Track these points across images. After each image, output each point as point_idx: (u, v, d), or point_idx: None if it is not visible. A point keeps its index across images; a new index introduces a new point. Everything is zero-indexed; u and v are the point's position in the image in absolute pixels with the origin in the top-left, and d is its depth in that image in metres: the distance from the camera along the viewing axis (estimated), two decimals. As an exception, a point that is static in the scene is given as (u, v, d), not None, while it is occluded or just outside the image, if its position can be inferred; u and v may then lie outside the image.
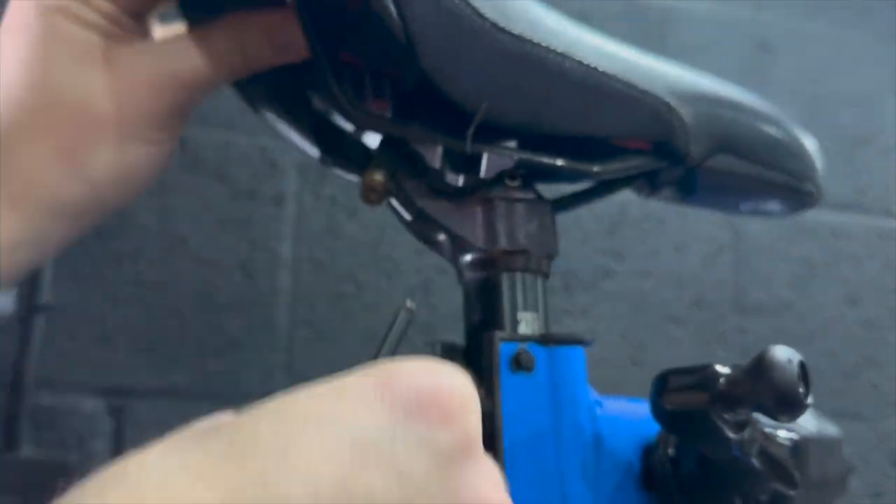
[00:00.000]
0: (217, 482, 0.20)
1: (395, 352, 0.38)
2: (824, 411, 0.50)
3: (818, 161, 0.57)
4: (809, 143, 0.56)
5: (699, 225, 1.10)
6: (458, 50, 0.44)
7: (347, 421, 0.23)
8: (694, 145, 0.51)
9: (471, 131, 0.46)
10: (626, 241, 1.06)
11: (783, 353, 0.39)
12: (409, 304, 0.39)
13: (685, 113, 0.50)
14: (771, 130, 0.54)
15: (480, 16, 0.44)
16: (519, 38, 0.45)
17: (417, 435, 0.24)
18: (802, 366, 0.39)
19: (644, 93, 0.48)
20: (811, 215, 1.15)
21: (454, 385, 0.26)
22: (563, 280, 1.01)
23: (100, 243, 0.84)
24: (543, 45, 0.45)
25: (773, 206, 0.58)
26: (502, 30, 0.44)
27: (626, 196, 0.97)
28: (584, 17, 0.50)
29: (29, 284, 0.81)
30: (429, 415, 0.24)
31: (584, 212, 1.03)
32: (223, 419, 0.25)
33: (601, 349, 1.00)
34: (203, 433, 0.23)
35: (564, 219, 0.53)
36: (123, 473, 0.21)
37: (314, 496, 0.21)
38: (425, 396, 0.25)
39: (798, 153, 0.55)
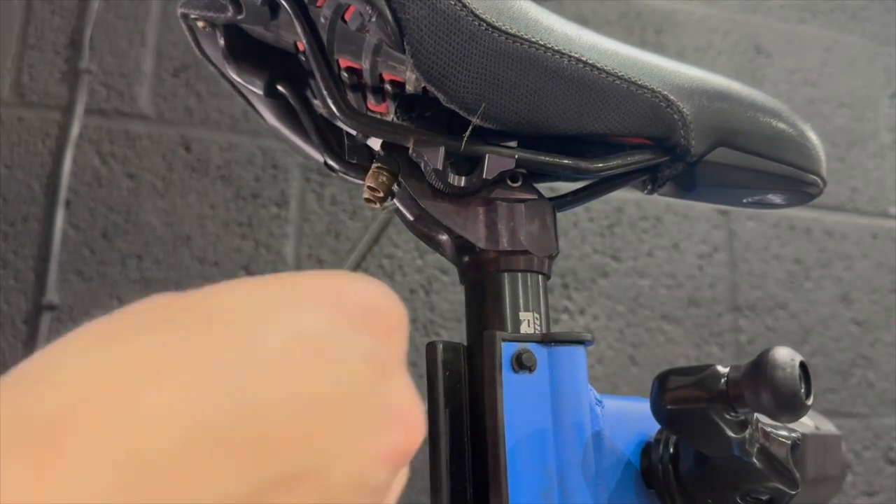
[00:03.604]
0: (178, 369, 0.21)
1: (370, 248, 0.40)
2: (819, 409, 0.50)
3: (821, 152, 0.56)
4: (812, 135, 0.56)
5: (695, 225, 1.10)
6: (454, 51, 0.44)
7: (304, 320, 0.25)
8: (694, 139, 0.50)
9: (468, 132, 0.46)
10: (622, 240, 1.06)
11: (784, 354, 0.39)
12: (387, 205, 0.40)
13: (684, 107, 0.50)
14: (772, 122, 0.54)
15: (476, 16, 0.44)
16: (515, 38, 0.45)
17: (363, 344, 0.26)
18: (803, 366, 0.39)
19: (642, 88, 0.48)
20: (805, 215, 1.15)
21: (396, 304, 0.28)
22: (561, 279, 1.01)
23: (105, 243, 0.84)
24: (540, 43, 0.45)
25: (777, 198, 0.58)
26: (498, 30, 0.44)
27: (622, 196, 0.97)
28: (580, 21, 0.50)
29: (35, 284, 0.81)
30: (375, 328, 0.27)
31: (581, 212, 1.04)
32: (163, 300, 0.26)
33: (598, 347, 1.01)
34: (164, 310, 0.23)
35: (562, 219, 0.54)
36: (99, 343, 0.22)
37: (274, 388, 0.22)
38: (374, 311, 0.27)
39: (800, 145, 0.55)
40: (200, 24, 0.51)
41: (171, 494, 0.20)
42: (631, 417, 0.50)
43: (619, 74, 0.48)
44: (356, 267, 0.40)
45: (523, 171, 0.51)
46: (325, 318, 0.25)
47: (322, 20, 0.46)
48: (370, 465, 0.25)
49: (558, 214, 0.52)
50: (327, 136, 0.54)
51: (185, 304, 0.24)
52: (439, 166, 0.48)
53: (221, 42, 0.51)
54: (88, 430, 0.19)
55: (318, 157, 0.55)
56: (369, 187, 0.49)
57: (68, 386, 0.20)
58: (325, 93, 0.48)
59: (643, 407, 0.47)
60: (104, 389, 0.20)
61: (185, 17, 0.51)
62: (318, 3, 0.45)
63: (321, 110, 0.53)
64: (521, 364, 0.45)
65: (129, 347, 0.21)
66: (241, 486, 0.21)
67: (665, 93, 0.49)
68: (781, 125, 0.54)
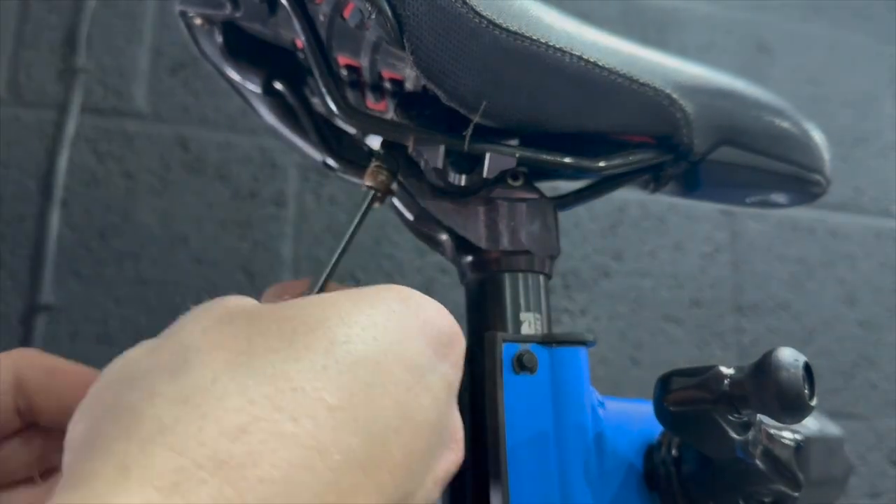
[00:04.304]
0: (337, 389, 0.23)
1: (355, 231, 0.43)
2: (822, 411, 0.50)
3: (825, 151, 0.55)
4: (815, 133, 0.55)
5: (697, 225, 1.10)
6: (455, 48, 0.43)
7: (402, 348, 0.26)
8: (697, 138, 0.50)
9: (469, 131, 0.46)
10: (624, 240, 1.06)
11: (788, 355, 0.38)
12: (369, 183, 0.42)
13: (687, 105, 0.49)
14: (776, 121, 0.53)
15: (477, 13, 0.43)
16: (517, 35, 0.44)
17: (443, 370, 0.28)
18: (807, 367, 0.38)
19: (645, 86, 0.48)
20: (809, 215, 1.15)
21: (460, 331, 0.31)
22: (562, 279, 1.01)
23: (101, 243, 0.84)
24: (542, 41, 0.45)
25: (780, 197, 0.57)
26: (499, 27, 0.44)
27: (624, 196, 0.97)
28: (582, 18, 0.50)
29: (30, 284, 0.81)
30: (450, 355, 0.29)
31: (583, 212, 1.03)
32: (255, 303, 0.28)
33: (600, 348, 1.00)
34: (280, 324, 0.25)
35: (564, 219, 0.53)
36: (241, 360, 0.22)
37: (396, 411, 0.24)
38: (449, 339, 0.29)
39: (804, 143, 0.55)
40: (198, 21, 0.50)
41: None
42: (633, 419, 0.49)
43: (622, 72, 0.47)
44: (341, 255, 0.43)
45: (524, 169, 0.50)
46: (419, 349, 0.27)
47: (321, 17, 0.46)
48: (435, 486, 0.27)
49: (560, 214, 0.52)
50: (326, 135, 0.54)
51: (303, 321, 0.25)
52: (439, 165, 0.48)
53: (219, 40, 0.50)
54: (256, 464, 0.19)
55: (316, 155, 0.55)
56: (368, 186, 0.49)
57: (222, 424, 0.20)
58: (323, 90, 0.47)
59: (646, 408, 0.47)
60: (259, 423, 0.20)
61: (183, 14, 0.50)
62: (317, 0, 0.45)
63: (320, 108, 0.53)
64: (522, 365, 0.45)
65: (267, 379, 0.22)
66: None
67: (668, 91, 0.49)
68: (785, 124, 0.54)
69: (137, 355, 0.24)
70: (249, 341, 0.23)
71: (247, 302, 0.28)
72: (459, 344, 0.30)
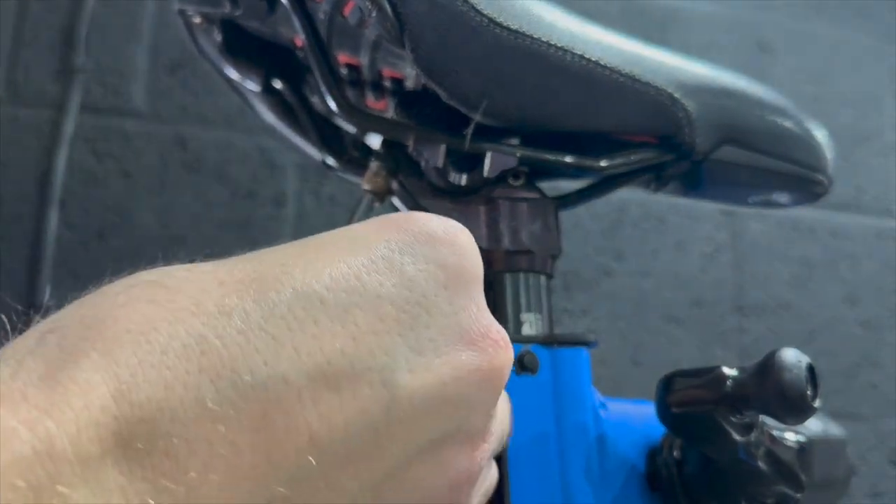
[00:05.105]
0: (235, 269, 0.22)
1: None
2: (825, 412, 0.49)
3: (827, 150, 0.55)
4: (818, 133, 0.55)
5: (698, 225, 1.09)
6: (456, 47, 0.43)
7: (362, 241, 0.25)
8: (700, 137, 0.50)
9: (470, 129, 0.45)
10: (625, 240, 1.06)
11: (791, 356, 0.38)
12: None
13: (689, 104, 0.49)
14: (778, 120, 0.53)
15: (478, 12, 0.43)
16: (518, 33, 0.44)
17: (427, 252, 0.25)
18: (811, 368, 0.38)
19: (647, 85, 0.48)
20: (810, 215, 1.15)
21: (463, 233, 0.27)
22: (563, 279, 1.00)
23: (100, 243, 0.84)
24: (543, 39, 0.45)
25: (782, 197, 0.57)
26: (500, 25, 0.44)
27: (625, 196, 0.96)
28: (584, 17, 0.50)
29: (28, 284, 0.80)
30: (441, 242, 0.26)
31: (583, 211, 1.03)
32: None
33: (601, 348, 1.00)
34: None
35: (564, 218, 0.53)
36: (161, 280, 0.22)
37: (326, 284, 0.22)
38: (437, 232, 0.26)
39: (807, 143, 0.54)
40: (197, 20, 0.50)
41: None
42: (635, 420, 0.49)
43: (623, 71, 0.47)
44: None
45: (525, 169, 0.50)
46: (386, 239, 0.25)
47: (321, 15, 0.46)
48: (445, 376, 0.24)
49: (561, 214, 0.52)
50: (325, 134, 0.54)
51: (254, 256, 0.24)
52: (440, 164, 0.47)
53: (218, 38, 0.50)
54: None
55: (315, 154, 0.55)
56: (366, 190, 0.49)
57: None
58: (323, 89, 0.47)
59: (647, 409, 0.47)
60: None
61: (182, 13, 0.50)
62: (317, -1, 0.45)
63: (319, 107, 0.52)
64: (524, 366, 0.45)
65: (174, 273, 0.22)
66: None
67: (669, 90, 0.48)
68: (788, 123, 0.53)
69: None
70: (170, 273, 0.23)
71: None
72: (461, 238, 0.26)
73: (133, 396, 0.18)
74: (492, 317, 0.27)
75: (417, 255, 0.25)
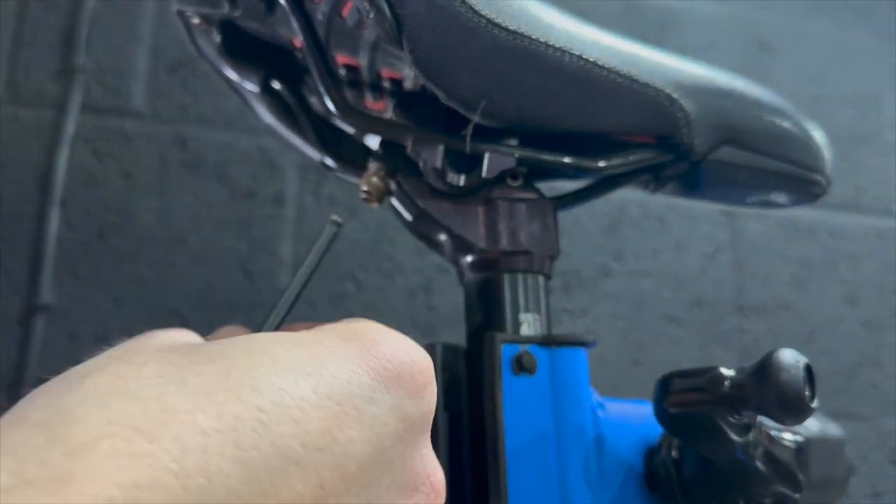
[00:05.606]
0: (217, 414, 0.21)
1: (317, 266, 0.36)
2: (824, 411, 0.49)
3: (825, 151, 0.55)
4: (816, 133, 0.55)
5: (698, 225, 1.09)
6: (454, 48, 0.43)
7: (332, 377, 0.24)
8: (698, 138, 0.50)
9: (469, 130, 0.46)
10: (625, 240, 1.05)
11: (789, 356, 0.38)
12: (335, 217, 0.37)
13: (688, 104, 0.49)
14: (776, 121, 0.53)
15: (476, 12, 0.43)
16: (516, 34, 0.44)
17: (392, 401, 0.26)
18: (808, 369, 0.38)
19: (645, 85, 0.48)
20: (810, 215, 1.15)
21: (425, 362, 0.28)
22: (562, 280, 1.00)
23: (100, 243, 0.84)
24: (541, 40, 0.45)
25: (780, 197, 0.57)
26: (498, 26, 0.44)
27: (625, 196, 0.96)
28: (582, 17, 0.50)
29: (29, 284, 0.80)
30: (405, 386, 0.26)
31: (583, 212, 1.03)
32: (190, 339, 0.27)
33: (600, 349, 1.00)
34: (190, 356, 0.23)
35: (564, 219, 0.53)
36: (123, 384, 0.21)
37: (302, 441, 0.22)
38: (403, 369, 0.27)
39: (805, 143, 0.54)
40: (196, 20, 0.50)
41: None
42: (633, 420, 0.49)
43: (621, 72, 0.47)
44: (304, 286, 0.34)
45: (524, 169, 0.50)
46: (356, 380, 0.25)
47: (319, 16, 0.46)
48: None
49: (559, 214, 0.52)
50: (324, 134, 0.54)
51: (211, 353, 0.23)
52: (438, 165, 0.48)
53: (217, 39, 0.50)
54: (95, 481, 0.18)
55: (314, 155, 0.55)
56: (366, 186, 0.49)
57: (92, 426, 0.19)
58: (322, 90, 0.47)
59: (646, 409, 0.47)
60: (125, 432, 0.19)
61: (181, 13, 0.50)
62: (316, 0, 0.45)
63: (318, 108, 0.52)
64: (522, 366, 0.45)
65: (136, 402, 0.21)
66: None
67: (668, 90, 0.48)
68: (786, 123, 0.54)
69: (75, 370, 0.23)
70: (140, 368, 0.22)
71: (180, 336, 0.27)
72: (422, 375, 0.27)
73: None
74: (435, 458, 0.28)
75: (383, 405, 0.25)
